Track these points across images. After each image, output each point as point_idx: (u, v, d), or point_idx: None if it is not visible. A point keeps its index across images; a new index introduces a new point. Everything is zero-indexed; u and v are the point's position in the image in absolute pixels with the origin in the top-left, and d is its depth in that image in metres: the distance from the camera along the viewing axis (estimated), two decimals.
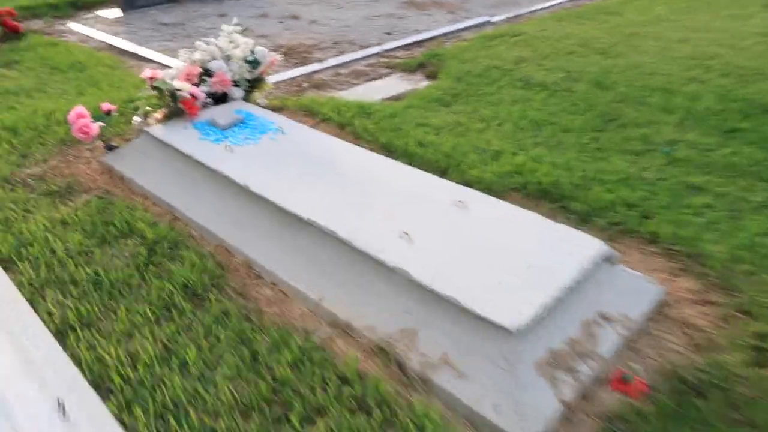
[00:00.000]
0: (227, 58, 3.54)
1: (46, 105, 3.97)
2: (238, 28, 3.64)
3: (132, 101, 3.88)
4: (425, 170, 2.83)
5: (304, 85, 4.69)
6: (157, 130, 3.15)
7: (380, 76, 4.93)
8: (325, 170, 2.78)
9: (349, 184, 2.66)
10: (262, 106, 3.61)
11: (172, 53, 5.20)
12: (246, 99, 3.63)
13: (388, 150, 3.42)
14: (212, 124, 3.20)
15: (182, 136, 3.08)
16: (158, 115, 3.31)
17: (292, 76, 4.85)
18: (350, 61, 5.25)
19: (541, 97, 4.12)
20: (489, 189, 2.89)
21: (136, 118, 3.39)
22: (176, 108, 3.23)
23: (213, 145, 3.00)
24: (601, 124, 3.70)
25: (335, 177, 2.72)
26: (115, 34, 6.06)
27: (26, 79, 4.64)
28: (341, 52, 5.45)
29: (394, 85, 4.72)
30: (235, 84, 3.55)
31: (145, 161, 3.10)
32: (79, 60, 5.03)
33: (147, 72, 3.24)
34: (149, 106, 3.37)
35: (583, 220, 2.73)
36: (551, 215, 2.62)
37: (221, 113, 3.26)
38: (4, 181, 3.10)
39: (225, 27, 3.65)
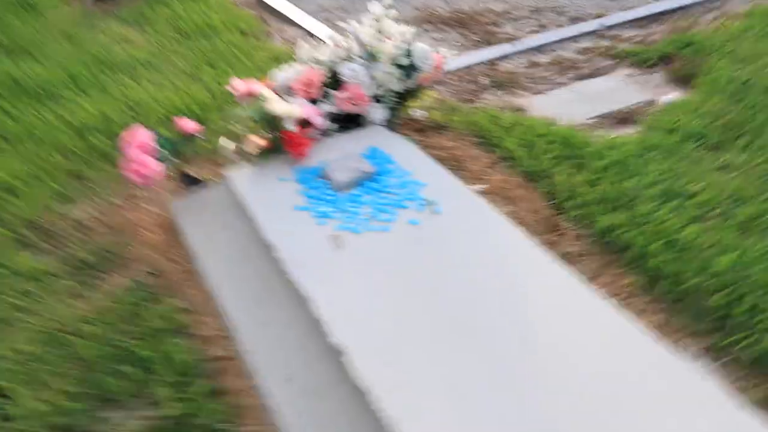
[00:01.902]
0: (370, 58, 2.27)
1: (139, 93, 3.04)
2: (392, 12, 2.33)
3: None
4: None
5: (484, 80, 3.26)
6: (241, 179, 2.03)
7: (597, 72, 3.33)
8: (506, 325, 1.46)
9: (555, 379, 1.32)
10: (416, 121, 2.32)
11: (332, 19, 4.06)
12: (392, 119, 2.36)
13: (610, 251, 1.99)
14: (324, 177, 1.99)
15: (271, 198, 1.93)
16: (260, 140, 2.18)
17: (467, 63, 3.44)
18: (554, 43, 3.68)
19: None
20: None
21: (224, 143, 2.30)
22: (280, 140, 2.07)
23: (313, 226, 1.81)
24: None
25: (527, 352, 1.39)
26: None
27: (144, 45, 3.79)
28: (542, 27, 3.88)
29: (619, 91, 3.12)
30: (376, 99, 2.28)
31: (216, 227, 2.01)
32: (210, 22, 4.07)
33: (239, 85, 2.09)
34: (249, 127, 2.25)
35: None
36: None
37: (342, 160, 2.03)
38: (26, 226, 2.22)
39: (374, 6, 2.36)
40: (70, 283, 1.97)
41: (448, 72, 3.24)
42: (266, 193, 1.95)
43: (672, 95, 2.95)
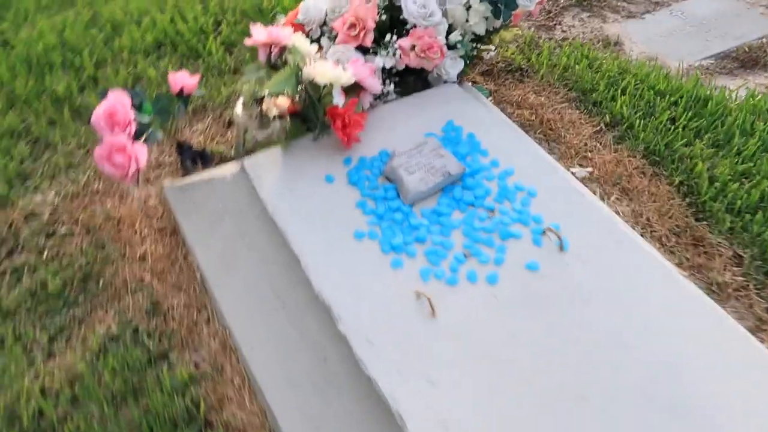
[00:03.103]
0: None
1: (112, 8, 2.26)
2: None
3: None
4: None
5: None
6: (264, 178, 1.38)
7: None
8: None
9: None
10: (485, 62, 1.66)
11: None
12: (464, 71, 1.67)
13: None
14: (390, 178, 1.36)
15: (314, 215, 1.30)
16: (285, 102, 1.49)
17: None
18: None
19: None
20: None
21: (238, 109, 1.62)
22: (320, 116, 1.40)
23: (384, 272, 1.21)
24: None
25: None
26: None
27: None
28: None
29: (733, 16, 2.41)
30: (449, 46, 1.58)
31: (234, 242, 1.39)
32: None
33: (259, 33, 1.37)
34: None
35: None
36: None
37: (414, 151, 1.38)
38: None
39: None
40: (24, 330, 1.38)
41: None
42: (304, 205, 1.32)
43: None
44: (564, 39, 2.23)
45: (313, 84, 1.33)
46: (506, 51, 2.08)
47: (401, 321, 1.13)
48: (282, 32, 1.35)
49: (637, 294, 1.17)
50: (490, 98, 1.90)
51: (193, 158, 1.68)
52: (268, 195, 1.33)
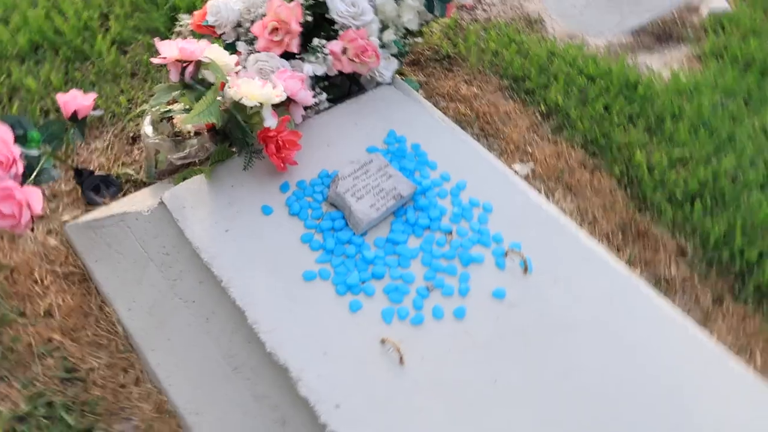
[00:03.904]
0: None
1: None
2: None
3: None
4: None
5: None
6: (188, 212, 1.20)
7: None
8: None
9: None
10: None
11: None
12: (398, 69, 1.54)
13: (729, 274, 1.46)
14: (336, 205, 1.22)
15: (256, 253, 1.15)
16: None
17: None
18: None
19: None
20: None
21: (147, 130, 1.41)
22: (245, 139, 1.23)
23: (341, 317, 1.09)
24: None
25: None
26: None
27: None
28: None
29: None
30: (382, 46, 1.44)
31: (164, 286, 1.21)
32: None
33: (166, 47, 1.15)
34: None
35: None
36: None
37: (358, 170, 1.24)
38: None
39: None
40: None
41: None
42: (242, 246, 1.15)
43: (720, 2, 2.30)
44: (487, 20, 2.14)
45: (238, 105, 1.15)
46: (431, 37, 1.96)
47: (368, 375, 1.02)
48: (195, 45, 1.15)
49: (617, 318, 1.13)
50: (421, 91, 1.79)
51: (96, 186, 1.46)
52: (198, 238, 1.15)
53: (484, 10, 2.21)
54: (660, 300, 1.21)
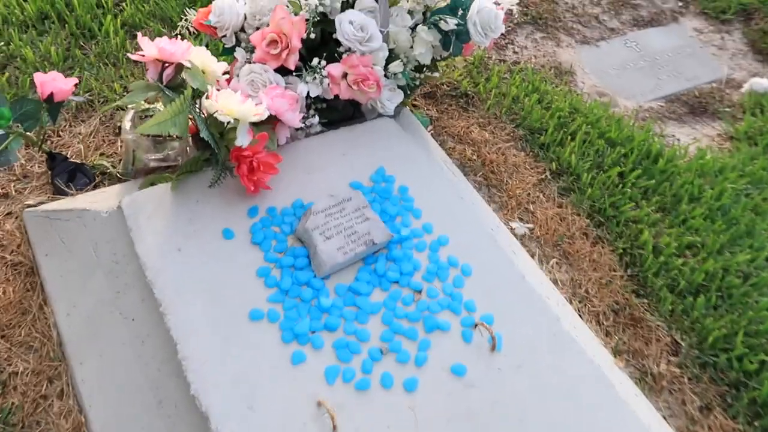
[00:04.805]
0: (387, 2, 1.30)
1: None
2: None
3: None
4: None
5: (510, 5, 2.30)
6: (144, 224, 1.11)
7: (659, 18, 2.47)
8: None
9: None
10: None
11: None
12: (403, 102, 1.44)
13: (723, 381, 1.33)
14: (302, 240, 1.13)
15: (201, 277, 1.05)
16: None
17: None
18: None
19: None
20: None
21: (127, 125, 1.33)
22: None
23: (282, 369, 0.99)
24: None
25: None
26: None
27: None
28: None
29: (686, 54, 2.31)
30: (386, 76, 1.35)
31: (107, 296, 1.12)
32: None
33: (147, 45, 1.08)
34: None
35: None
36: None
37: (333, 208, 1.15)
38: None
39: None
40: None
41: None
42: (192, 270, 1.06)
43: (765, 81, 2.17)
44: (515, 62, 2.04)
45: (213, 119, 1.06)
46: (453, 72, 1.87)
47: None
48: (177, 47, 1.07)
49: (581, 421, 1.01)
50: (431, 128, 1.69)
51: (69, 174, 1.38)
52: (148, 253, 1.07)
53: (515, 52, 2.12)
54: (639, 404, 1.09)
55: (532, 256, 1.46)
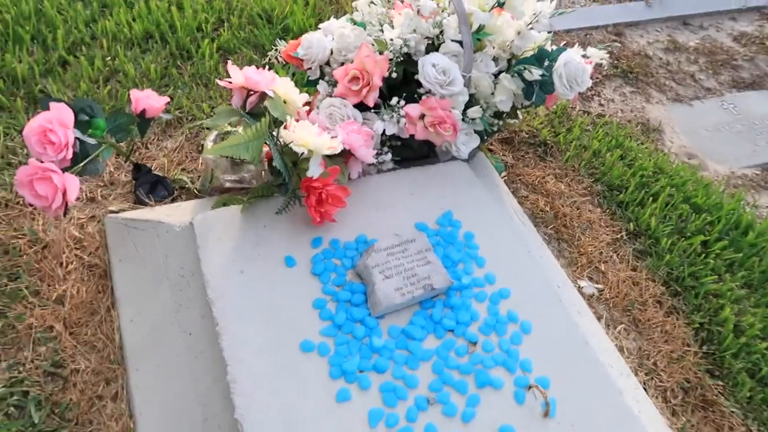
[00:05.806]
0: (472, 46, 1.29)
1: None
2: None
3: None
4: None
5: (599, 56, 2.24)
6: (212, 243, 1.14)
7: (761, 81, 2.34)
8: None
9: None
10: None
11: None
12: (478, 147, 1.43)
13: None
14: (361, 276, 1.12)
15: (255, 303, 1.06)
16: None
17: (583, 23, 2.39)
18: (705, 15, 2.61)
19: None
20: None
21: (209, 144, 1.38)
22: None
23: (324, 401, 0.97)
24: None
25: None
26: None
27: None
28: None
29: None
30: (463, 120, 1.34)
31: (170, 308, 1.16)
32: None
33: (235, 73, 1.12)
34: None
35: None
36: None
37: (396, 247, 1.14)
38: None
39: None
40: None
41: (555, 32, 2.21)
42: (252, 294, 1.08)
43: None
44: (600, 115, 1.99)
45: (288, 148, 1.09)
46: (533, 119, 1.84)
47: None
48: (262, 77, 1.11)
49: None
50: (504, 174, 1.66)
51: (151, 186, 1.45)
52: (212, 272, 1.09)
53: (601, 105, 2.06)
54: None
55: (599, 319, 1.39)
